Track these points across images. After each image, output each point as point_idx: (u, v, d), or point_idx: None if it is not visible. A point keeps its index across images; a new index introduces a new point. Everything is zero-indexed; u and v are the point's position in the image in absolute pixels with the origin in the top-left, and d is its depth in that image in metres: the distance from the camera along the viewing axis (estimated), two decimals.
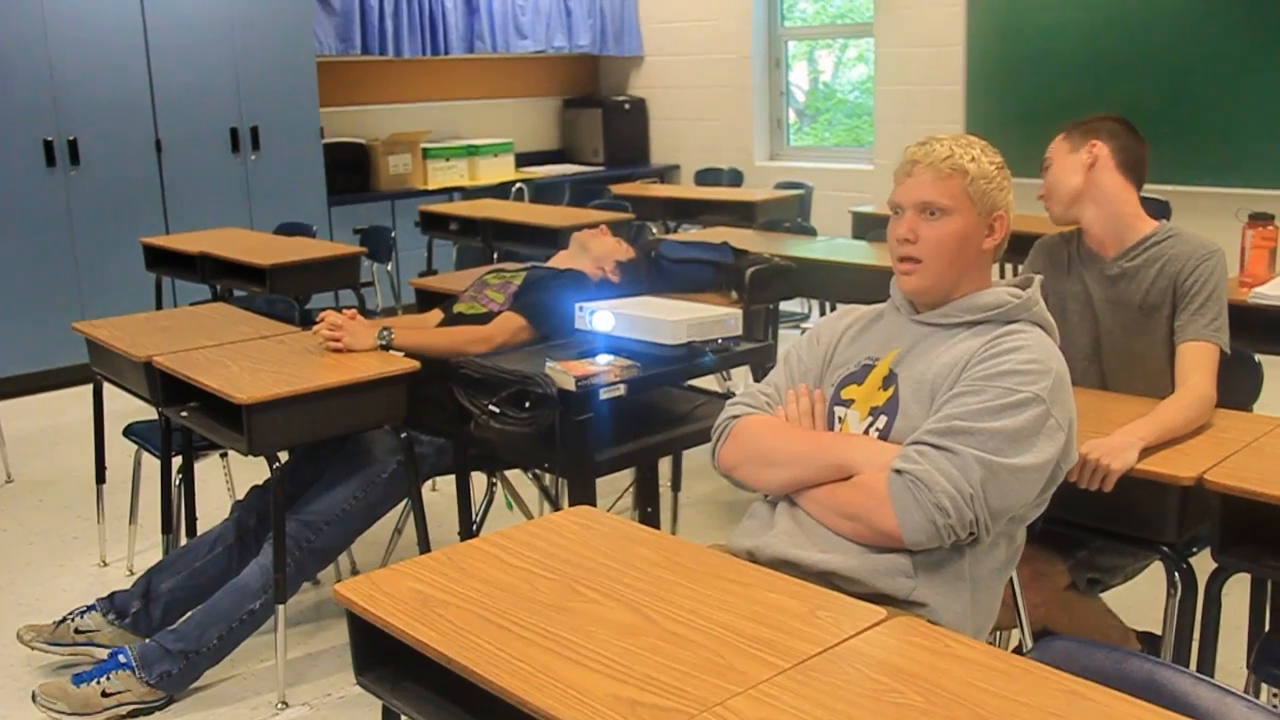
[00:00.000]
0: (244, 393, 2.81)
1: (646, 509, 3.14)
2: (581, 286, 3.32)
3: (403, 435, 3.05)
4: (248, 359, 3.14)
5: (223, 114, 6.55)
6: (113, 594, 3.17)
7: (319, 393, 2.89)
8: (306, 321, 5.37)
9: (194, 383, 2.99)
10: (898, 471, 1.79)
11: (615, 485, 3.69)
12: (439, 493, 4.26)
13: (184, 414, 3.12)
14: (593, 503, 2.65)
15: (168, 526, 3.40)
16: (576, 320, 2.98)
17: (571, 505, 2.26)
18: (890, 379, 1.95)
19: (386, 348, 3.10)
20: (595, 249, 3.47)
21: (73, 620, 3.12)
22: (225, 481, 4.06)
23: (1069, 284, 2.61)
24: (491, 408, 2.79)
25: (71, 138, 6.00)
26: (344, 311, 3.23)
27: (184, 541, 3.45)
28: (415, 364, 3.01)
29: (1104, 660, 1.46)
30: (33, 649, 3.08)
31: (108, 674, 2.86)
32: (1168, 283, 2.48)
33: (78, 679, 2.86)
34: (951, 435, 1.78)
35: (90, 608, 3.15)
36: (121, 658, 2.89)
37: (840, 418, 1.99)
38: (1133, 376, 2.55)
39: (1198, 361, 2.40)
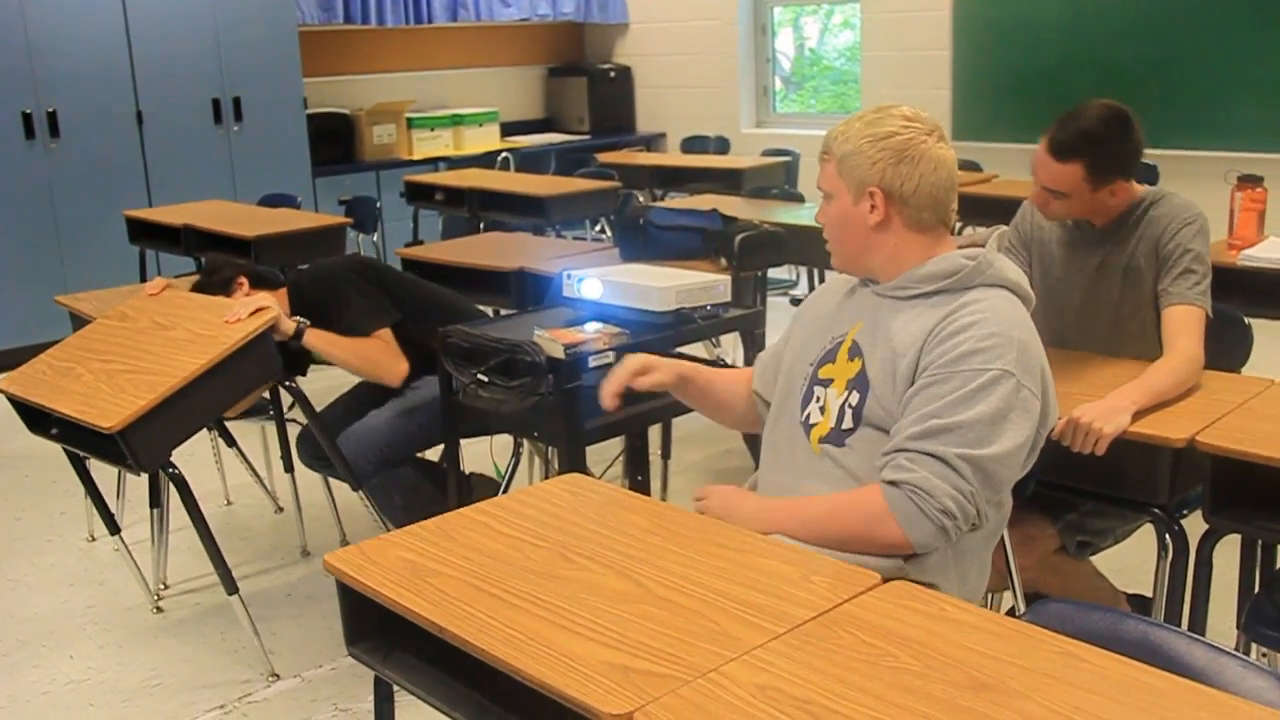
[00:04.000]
0: (109, 417, 2.58)
1: (637, 477, 3.13)
2: (338, 274, 3.17)
3: (289, 385, 3.08)
4: (97, 358, 2.90)
5: (204, 85, 6.48)
6: None
7: (190, 385, 2.69)
8: None
9: (53, 412, 2.75)
10: (892, 483, 1.76)
11: (605, 454, 3.69)
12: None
13: (54, 431, 2.88)
14: (583, 471, 2.64)
15: (155, 500, 3.38)
16: (565, 288, 2.96)
17: (561, 473, 2.25)
18: (855, 350, 1.92)
19: (298, 337, 2.98)
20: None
21: None
22: (213, 452, 4.04)
23: (1057, 248, 2.60)
24: (480, 376, 2.77)
25: (51, 109, 5.92)
26: (157, 280, 3.28)
27: (170, 517, 3.44)
28: (271, 314, 2.89)
29: (1099, 622, 1.46)
30: None
31: None
32: (1150, 246, 2.47)
33: None
34: (933, 436, 1.75)
35: None
36: None
37: (818, 399, 1.97)
38: (1121, 339, 2.54)
39: (1183, 325, 2.39)
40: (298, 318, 3.02)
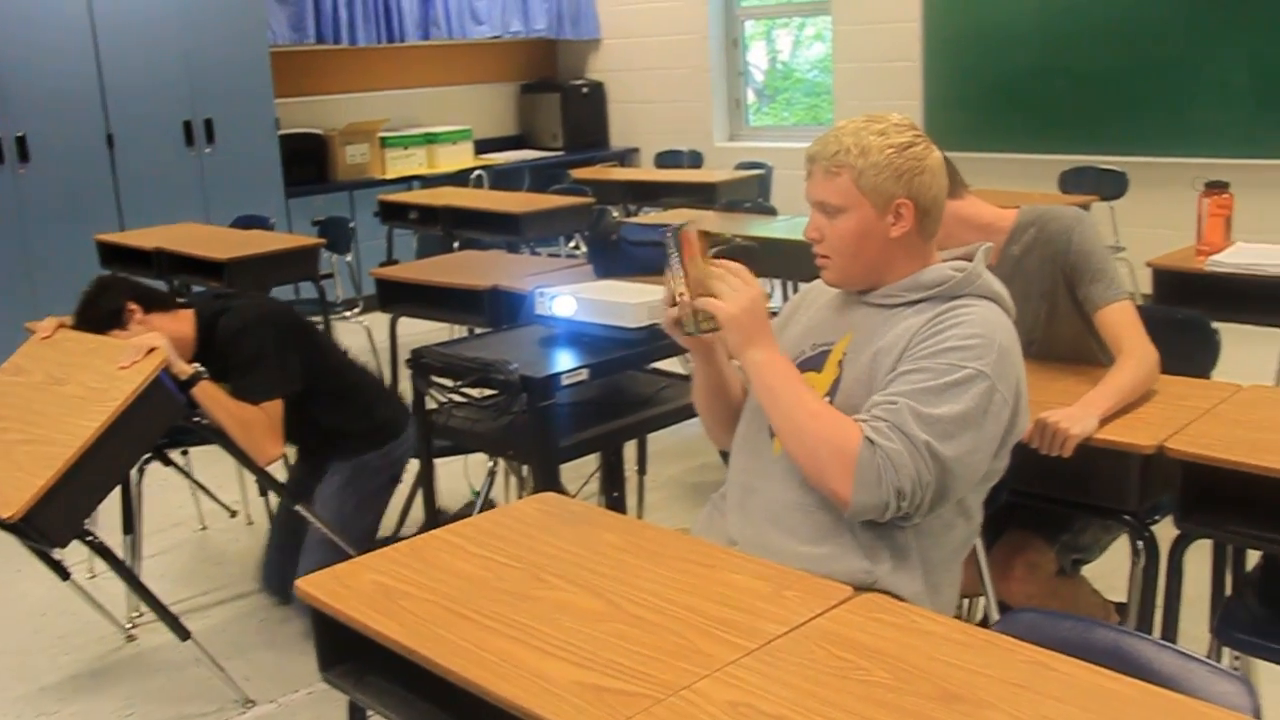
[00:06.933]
0: (8, 505, 2.43)
1: (613, 493, 3.13)
2: (258, 332, 3.03)
3: (197, 420, 2.95)
4: None
5: (175, 107, 6.45)
6: None
7: (89, 451, 2.53)
8: None
9: None
10: (871, 442, 1.73)
11: (582, 470, 3.67)
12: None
13: None
14: (558, 489, 2.63)
15: (129, 527, 3.35)
16: (537, 306, 2.96)
17: (536, 492, 2.25)
18: (841, 363, 1.93)
19: (191, 384, 2.85)
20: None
21: None
22: (186, 478, 4.01)
23: None
24: (455, 396, 2.76)
25: (20, 134, 5.89)
26: (48, 320, 3.07)
27: (143, 543, 3.41)
28: (163, 355, 2.74)
29: (1069, 630, 1.46)
30: None
31: None
32: (1052, 266, 2.47)
33: None
34: (913, 418, 1.73)
35: None
36: None
37: None
38: (1064, 356, 2.54)
39: (1120, 323, 2.40)
40: (195, 365, 2.88)
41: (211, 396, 2.89)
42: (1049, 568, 2.45)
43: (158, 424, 2.78)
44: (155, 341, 2.78)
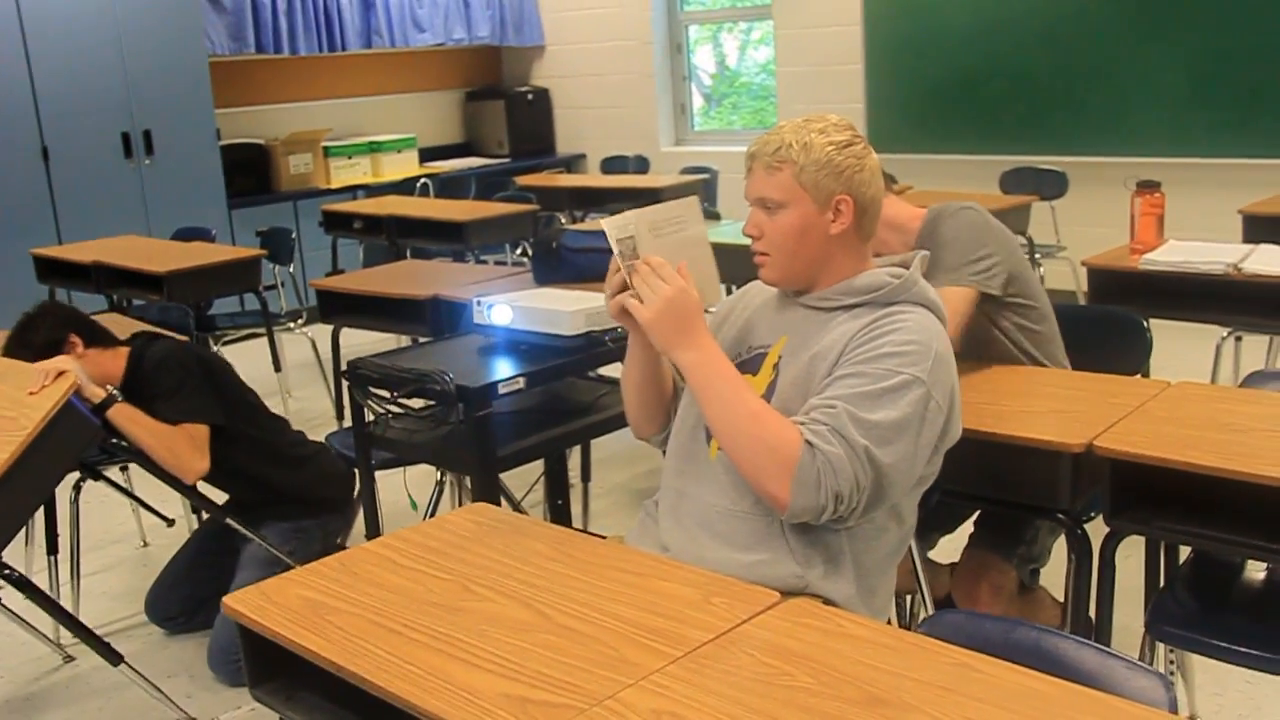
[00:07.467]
0: None
1: (557, 501, 3.12)
2: (182, 361, 3.00)
3: (115, 442, 2.89)
4: None
5: (113, 118, 6.37)
6: None
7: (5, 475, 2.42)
8: (206, 327, 5.26)
9: None
10: (811, 445, 1.72)
11: (528, 479, 3.66)
12: None
13: None
14: (496, 500, 2.62)
15: (52, 546, 3.29)
16: (475, 315, 2.94)
17: (475, 502, 2.24)
18: (777, 366, 1.93)
19: (104, 408, 2.78)
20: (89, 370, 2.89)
21: None
22: (127, 494, 3.95)
23: None
24: (392, 407, 2.75)
25: None
26: None
27: (84, 560, 3.35)
28: (72, 379, 2.64)
29: (993, 630, 1.47)
30: None
31: None
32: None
33: None
34: (852, 422, 1.73)
35: None
36: None
37: None
38: (977, 355, 2.55)
39: None
40: (109, 387, 2.82)
41: (128, 417, 2.82)
42: (1011, 587, 2.48)
43: (71, 449, 2.68)
44: (64, 365, 2.69)
